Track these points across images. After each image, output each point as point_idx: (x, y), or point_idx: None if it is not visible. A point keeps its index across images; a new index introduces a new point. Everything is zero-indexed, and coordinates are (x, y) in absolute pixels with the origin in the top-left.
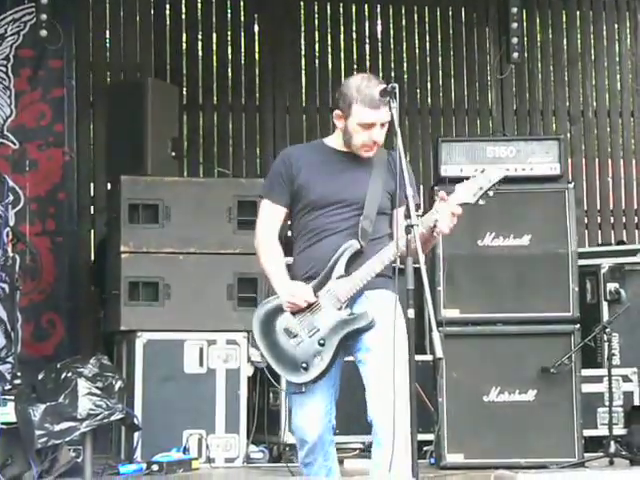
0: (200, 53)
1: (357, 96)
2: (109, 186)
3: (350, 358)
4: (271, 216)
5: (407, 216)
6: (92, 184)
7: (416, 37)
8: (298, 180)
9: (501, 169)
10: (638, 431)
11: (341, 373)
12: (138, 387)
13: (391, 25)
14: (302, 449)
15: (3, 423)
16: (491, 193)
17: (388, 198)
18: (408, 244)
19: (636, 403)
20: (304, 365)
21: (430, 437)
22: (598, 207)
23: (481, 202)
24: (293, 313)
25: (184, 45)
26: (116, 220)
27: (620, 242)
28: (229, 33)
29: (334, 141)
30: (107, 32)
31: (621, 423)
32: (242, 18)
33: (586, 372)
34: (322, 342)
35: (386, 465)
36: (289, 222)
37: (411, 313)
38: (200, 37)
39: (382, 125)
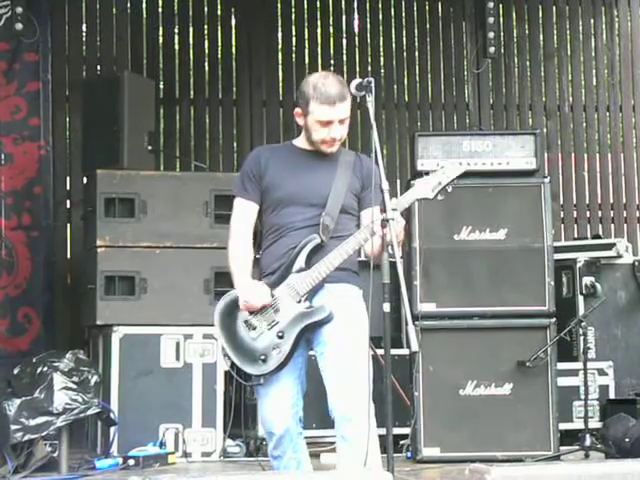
0: (177, 47)
1: (314, 94)
2: (85, 180)
3: (312, 352)
4: (243, 214)
5: (383, 210)
6: (68, 178)
7: (393, 31)
8: (265, 178)
9: (460, 165)
10: (613, 425)
11: (308, 366)
12: (114, 381)
13: (368, 19)
14: (270, 440)
15: None
16: (450, 189)
17: (353, 198)
18: (384, 238)
19: (611, 396)
20: (262, 357)
21: (406, 431)
22: (574, 201)
23: (440, 197)
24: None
25: (160, 39)
26: (92, 214)
27: (596, 236)
28: (206, 27)
29: (301, 141)
30: (83, 25)
31: (596, 416)
32: (219, 12)
33: (562, 366)
34: (281, 334)
35: (353, 459)
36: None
37: (387, 307)
38: (177, 31)
39: (341, 122)
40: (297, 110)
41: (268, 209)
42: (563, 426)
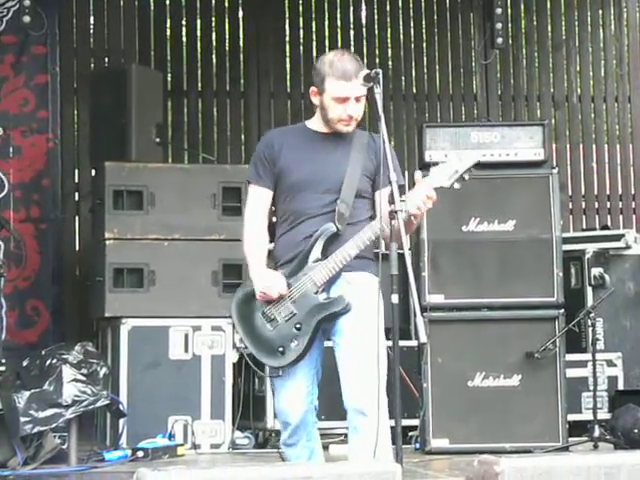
0: (184, 39)
1: (330, 70)
2: (93, 172)
3: (329, 343)
4: (258, 200)
5: (391, 202)
6: (76, 170)
7: (400, 23)
8: (279, 163)
9: (477, 153)
10: (622, 415)
11: (324, 357)
12: (123, 373)
13: (375, 10)
14: (285, 430)
15: None
16: (467, 177)
17: (367, 182)
18: (391, 228)
19: (620, 388)
20: (281, 349)
21: (415, 422)
22: (582, 192)
23: (456, 186)
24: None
25: (168, 31)
26: (100, 206)
27: (604, 227)
28: (213, 19)
29: (315, 123)
30: (91, 18)
31: (605, 408)
32: (226, 4)
33: (570, 357)
34: (299, 326)
35: (364, 451)
36: (273, 207)
37: (395, 298)
38: (184, 23)
39: (357, 99)
40: (312, 89)
41: (282, 195)
42: (572, 417)
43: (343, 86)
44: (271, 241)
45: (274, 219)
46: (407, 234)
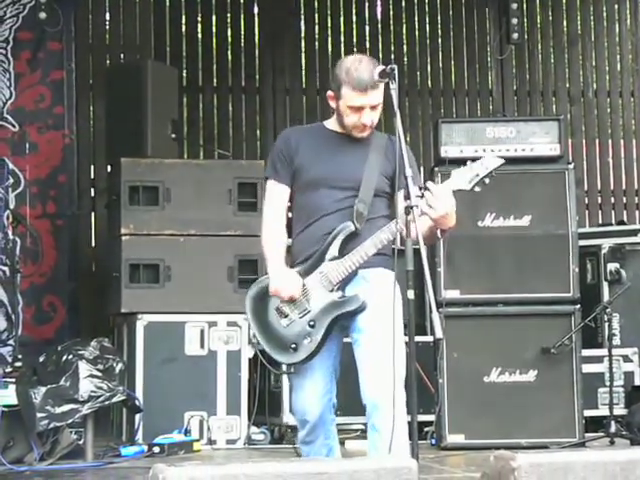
0: (200, 35)
1: (346, 78)
2: (109, 168)
3: (348, 339)
4: (276, 197)
5: (407, 197)
6: (92, 166)
7: (416, 18)
8: (297, 160)
9: (499, 157)
10: (638, 411)
11: (341, 353)
12: (139, 369)
13: (391, 6)
14: (303, 428)
15: (4, 406)
16: (487, 180)
17: (385, 182)
18: (408, 226)
19: (636, 383)
20: (293, 346)
21: (431, 418)
22: (598, 187)
23: (477, 189)
24: None
25: (184, 27)
26: (116, 202)
27: (620, 222)
28: (229, 15)
29: (332, 123)
30: (107, 14)
31: (622, 403)
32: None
33: (586, 352)
34: (312, 324)
35: (384, 449)
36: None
37: (411, 294)
38: (200, 19)
39: (373, 108)
40: (330, 93)
41: (299, 191)
42: (588, 413)
43: (358, 97)
44: (289, 237)
45: (290, 215)
46: (430, 242)
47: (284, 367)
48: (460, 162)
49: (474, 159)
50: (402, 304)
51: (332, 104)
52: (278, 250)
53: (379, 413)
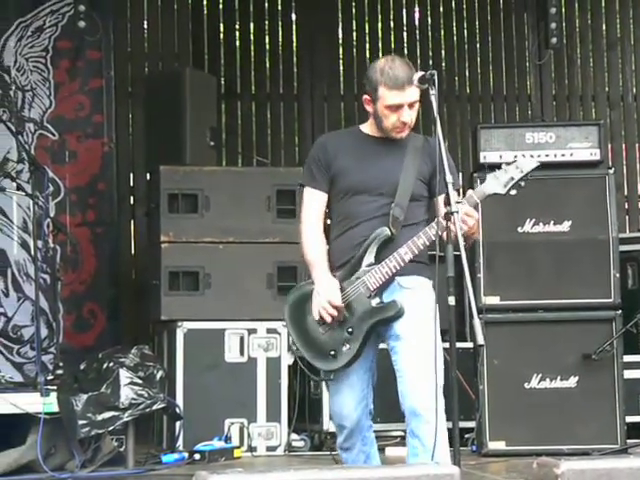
0: (237, 42)
1: (381, 79)
2: (148, 176)
3: (384, 345)
4: (313, 203)
5: (447, 203)
6: (131, 174)
7: (454, 24)
8: (334, 166)
9: (533, 159)
10: None
11: (378, 359)
12: (179, 376)
13: (429, 12)
14: (341, 434)
15: (46, 413)
16: (523, 183)
17: (422, 185)
18: (448, 231)
19: None
20: (332, 353)
21: (472, 424)
22: (639, 192)
23: (512, 192)
24: None
25: (221, 34)
26: (155, 210)
27: None
28: (266, 22)
29: (369, 127)
30: (145, 22)
31: None
32: (279, 7)
33: (628, 358)
34: (350, 330)
35: (423, 455)
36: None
37: (452, 300)
38: (237, 26)
39: (410, 106)
40: (365, 97)
41: (336, 197)
42: (630, 419)
43: (396, 94)
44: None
45: (328, 221)
46: (466, 245)
47: (322, 374)
48: (499, 168)
49: (509, 163)
50: (439, 311)
51: (369, 108)
52: (322, 258)
53: (418, 419)
